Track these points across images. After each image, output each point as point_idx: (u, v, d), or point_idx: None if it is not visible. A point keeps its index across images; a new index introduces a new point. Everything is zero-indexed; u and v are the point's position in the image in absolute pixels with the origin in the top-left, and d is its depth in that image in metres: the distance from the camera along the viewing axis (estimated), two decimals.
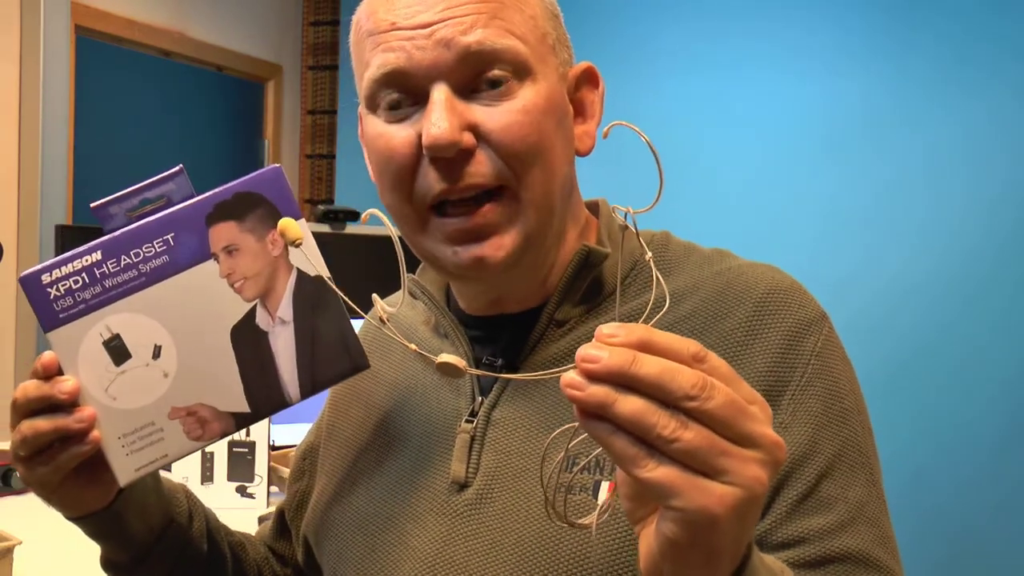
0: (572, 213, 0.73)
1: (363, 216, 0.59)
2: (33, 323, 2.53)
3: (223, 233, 0.63)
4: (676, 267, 0.73)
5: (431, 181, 0.65)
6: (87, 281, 0.62)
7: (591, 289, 0.71)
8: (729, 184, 2.80)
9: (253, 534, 0.95)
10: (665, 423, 0.40)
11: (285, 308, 0.64)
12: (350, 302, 0.57)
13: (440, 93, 0.63)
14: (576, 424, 0.46)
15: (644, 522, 0.46)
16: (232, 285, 0.63)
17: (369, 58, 0.66)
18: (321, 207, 3.06)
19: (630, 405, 0.40)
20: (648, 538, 0.44)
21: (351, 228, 3.11)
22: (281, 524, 0.91)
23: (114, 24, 2.85)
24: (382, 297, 0.87)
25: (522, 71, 0.65)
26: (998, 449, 2.40)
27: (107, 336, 0.62)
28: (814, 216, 2.69)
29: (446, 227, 0.66)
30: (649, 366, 0.41)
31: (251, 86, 3.45)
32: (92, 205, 0.63)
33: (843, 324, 2.76)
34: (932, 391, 2.49)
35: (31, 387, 0.62)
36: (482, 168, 0.64)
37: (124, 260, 0.62)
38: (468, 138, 0.64)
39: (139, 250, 0.63)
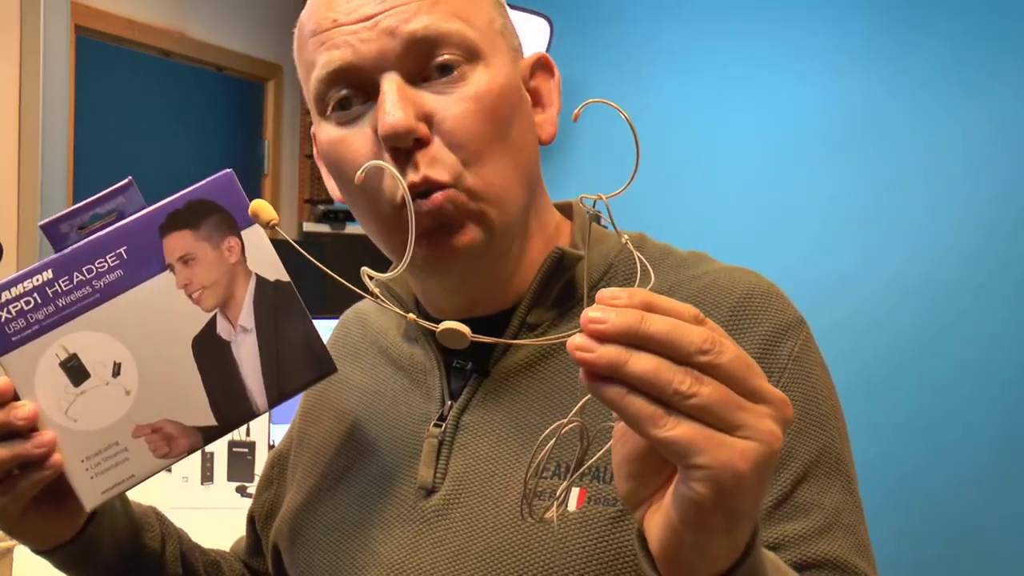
0: (537, 207, 0.71)
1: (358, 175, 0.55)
2: None
3: (178, 243, 0.61)
4: (654, 268, 0.71)
5: (394, 179, 0.63)
6: (39, 301, 0.59)
7: (563, 293, 0.70)
8: (729, 184, 2.80)
9: (228, 549, 0.93)
10: (681, 379, 0.39)
11: (246, 316, 0.62)
12: (352, 286, 0.55)
13: (391, 82, 0.62)
14: (564, 421, 0.45)
15: (647, 503, 0.45)
16: (190, 295, 0.61)
17: (314, 58, 0.65)
18: (321, 207, 3.06)
19: (644, 362, 0.39)
20: (662, 512, 0.43)
21: (351, 228, 3.11)
22: (255, 537, 0.90)
23: (114, 24, 2.85)
24: (357, 300, 0.86)
25: (472, 54, 0.64)
26: (997, 449, 2.39)
27: (64, 356, 0.60)
28: (814, 216, 2.69)
29: (415, 217, 0.63)
30: (659, 323, 0.40)
31: (251, 86, 3.45)
32: (41, 224, 0.61)
33: (842, 323, 2.73)
34: (930, 391, 2.48)
35: None
36: (435, 161, 0.62)
37: (77, 277, 0.60)
38: (423, 128, 0.62)
39: (91, 266, 0.60)
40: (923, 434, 2.48)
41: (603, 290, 0.42)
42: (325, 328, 2.38)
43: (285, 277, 0.62)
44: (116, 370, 0.61)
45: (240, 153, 3.44)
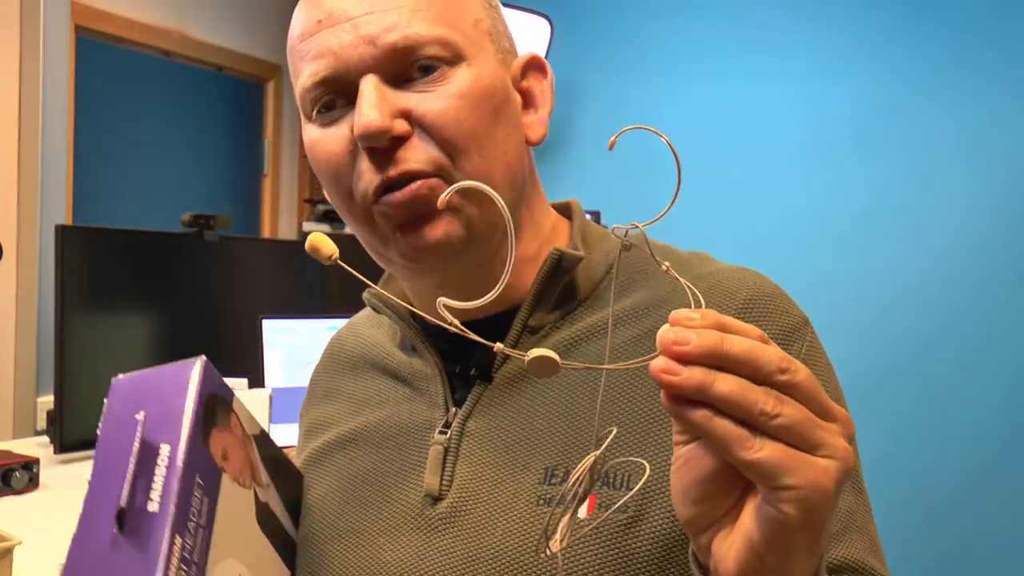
0: (529, 206, 0.71)
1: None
2: (33, 322, 2.53)
3: (216, 445, 0.61)
4: (654, 270, 0.71)
5: (368, 175, 0.63)
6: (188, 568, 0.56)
7: (564, 295, 0.70)
8: (734, 185, 2.79)
9: None
10: (765, 399, 0.39)
11: (264, 473, 0.69)
12: (385, 293, 0.53)
13: (369, 83, 0.62)
14: (587, 461, 0.45)
15: (715, 528, 0.44)
16: (239, 483, 0.64)
17: (301, 68, 0.65)
18: (321, 207, 3.06)
19: (729, 383, 0.39)
20: (740, 536, 0.43)
21: (350, 228, 3.10)
22: None
23: (114, 24, 2.85)
24: (359, 305, 0.86)
25: (455, 56, 0.64)
26: (1003, 449, 2.38)
27: None
28: (814, 217, 2.69)
29: (388, 211, 0.63)
30: (739, 343, 0.40)
31: (251, 86, 3.45)
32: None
33: (845, 324, 2.71)
34: (936, 390, 2.47)
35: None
36: (416, 153, 0.62)
37: (191, 525, 0.57)
38: (401, 125, 0.62)
39: (194, 510, 0.57)
40: (929, 434, 2.47)
41: (676, 311, 0.41)
42: (327, 327, 2.32)
43: (259, 426, 0.69)
44: None
45: (240, 153, 3.44)
